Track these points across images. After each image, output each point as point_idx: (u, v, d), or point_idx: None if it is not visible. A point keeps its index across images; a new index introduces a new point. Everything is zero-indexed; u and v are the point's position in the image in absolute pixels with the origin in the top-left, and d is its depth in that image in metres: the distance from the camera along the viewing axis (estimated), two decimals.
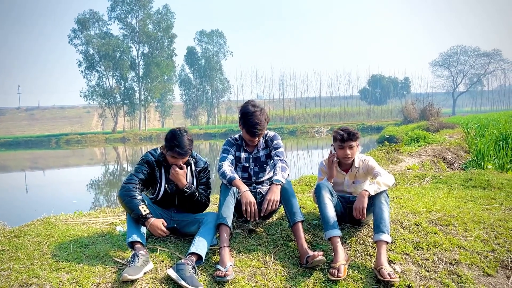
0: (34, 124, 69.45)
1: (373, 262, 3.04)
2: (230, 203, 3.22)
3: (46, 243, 3.30)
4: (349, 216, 3.48)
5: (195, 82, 58.70)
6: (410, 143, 12.78)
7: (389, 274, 2.77)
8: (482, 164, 7.69)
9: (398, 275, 2.87)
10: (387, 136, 20.45)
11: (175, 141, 3.21)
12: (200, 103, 58.97)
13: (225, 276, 2.74)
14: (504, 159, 7.53)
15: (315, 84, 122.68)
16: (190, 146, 3.26)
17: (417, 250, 3.22)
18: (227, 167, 3.41)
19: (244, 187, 3.25)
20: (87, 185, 15.11)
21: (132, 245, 2.99)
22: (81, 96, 46.44)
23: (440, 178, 5.98)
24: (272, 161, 3.64)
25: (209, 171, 3.57)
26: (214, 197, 4.53)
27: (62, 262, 2.90)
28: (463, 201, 4.49)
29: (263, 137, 3.66)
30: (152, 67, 45.88)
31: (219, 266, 2.83)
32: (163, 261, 2.96)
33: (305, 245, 3.06)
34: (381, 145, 12.45)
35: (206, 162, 3.54)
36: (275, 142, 3.63)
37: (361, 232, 3.47)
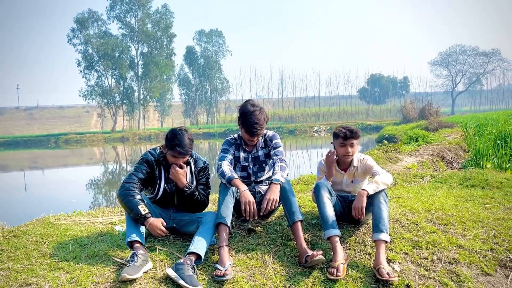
0: (33, 124, 69.39)
1: (372, 261, 3.04)
2: (229, 202, 3.22)
3: (45, 242, 3.30)
4: (348, 215, 3.49)
5: (194, 82, 58.68)
6: (409, 143, 12.78)
7: (388, 273, 2.78)
8: (481, 163, 7.70)
9: (397, 274, 2.87)
10: (386, 136, 20.45)
11: (176, 140, 3.21)
12: (199, 103, 58.97)
13: (224, 275, 2.74)
14: (503, 159, 7.54)
15: (314, 83, 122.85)
16: (190, 145, 3.27)
17: (416, 249, 3.23)
18: (226, 167, 3.41)
19: (243, 187, 3.25)
20: (86, 184, 15.10)
21: (131, 244, 2.99)
22: (80, 95, 46.37)
23: (439, 177, 5.98)
24: (271, 160, 3.64)
25: (208, 170, 3.58)
26: (213, 197, 4.53)
27: (61, 261, 2.90)
28: (462, 201, 4.50)
29: (262, 137, 3.67)
30: (151, 66, 45.85)
31: (218, 266, 2.84)
32: (162, 261, 2.96)
33: (304, 245, 3.07)
34: (380, 144, 12.46)
35: (205, 162, 3.55)
36: (274, 141, 3.63)
37: (360, 232, 3.47)
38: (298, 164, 18.24)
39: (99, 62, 45.06)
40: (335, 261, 2.90)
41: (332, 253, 3.04)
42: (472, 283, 2.87)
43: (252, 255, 3.11)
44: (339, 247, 3.01)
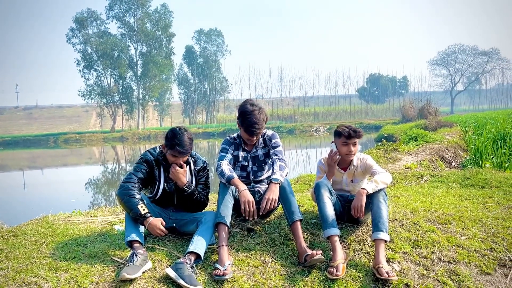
0: (32, 123, 69.29)
1: (371, 261, 3.04)
2: (229, 202, 3.22)
3: (44, 242, 3.30)
4: (348, 214, 3.49)
5: (193, 81, 58.62)
6: (408, 142, 12.79)
7: (387, 273, 2.78)
8: (480, 162, 7.71)
9: (396, 274, 2.87)
10: (385, 135, 20.46)
11: (175, 139, 3.21)
12: (198, 102, 58.92)
13: (223, 275, 2.74)
14: (502, 158, 7.54)
15: (314, 83, 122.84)
16: (190, 144, 3.27)
17: (415, 248, 3.23)
18: (226, 166, 3.41)
19: (242, 186, 3.25)
20: (85, 184, 15.09)
21: (130, 244, 2.99)
22: (79, 95, 46.08)
23: (438, 176, 5.99)
24: (270, 160, 3.64)
25: (208, 170, 3.57)
26: (213, 196, 4.53)
27: (60, 261, 2.90)
28: (461, 200, 4.50)
29: (261, 136, 3.67)
30: (151, 66, 45.79)
31: (217, 265, 2.84)
32: (161, 260, 2.96)
33: (304, 244, 3.07)
34: (379, 144, 12.47)
35: (205, 161, 3.54)
36: (273, 141, 3.63)
37: (359, 231, 3.48)
38: (298, 164, 18.25)
39: (98, 61, 44.99)
40: (334, 261, 2.90)
41: (331, 252, 3.04)
42: (471, 282, 2.88)
43: (251, 255, 3.11)
44: (338, 246, 3.01)
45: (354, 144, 3.44)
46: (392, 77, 74.56)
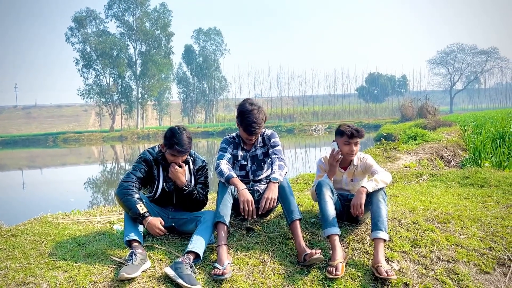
0: (31, 123, 69.17)
1: (370, 260, 3.04)
2: (228, 201, 3.22)
3: (43, 242, 3.29)
4: (347, 214, 3.48)
5: (192, 80, 58.55)
6: (408, 141, 12.80)
7: (386, 272, 2.78)
8: (479, 162, 7.72)
9: (395, 273, 2.87)
10: (384, 134, 20.47)
11: (174, 139, 3.20)
12: (197, 102, 58.86)
13: (222, 274, 2.74)
14: (501, 157, 7.55)
15: (313, 82, 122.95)
16: (189, 144, 3.26)
17: (415, 247, 3.23)
18: (225, 165, 3.41)
19: (241, 185, 3.25)
20: (84, 183, 15.08)
21: (129, 243, 2.98)
22: (78, 94, 46.01)
23: (437, 176, 5.99)
24: (269, 159, 3.64)
25: (207, 169, 3.57)
26: (212, 195, 4.53)
27: (59, 261, 2.89)
28: (460, 199, 4.50)
29: (260, 135, 3.66)
30: (150, 65, 45.73)
31: (216, 265, 2.83)
32: (160, 260, 2.96)
33: (303, 243, 3.07)
34: (378, 143, 12.48)
35: (204, 161, 3.54)
36: (272, 140, 3.63)
37: (358, 230, 3.48)
38: (297, 163, 18.25)
39: (97, 60, 44.91)
40: (334, 260, 2.90)
41: (330, 251, 3.04)
42: (470, 281, 2.88)
43: (250, 254, 3.11)
44: (338, 245, 3.01)
45: (356, 144, 3.44)
46: (391, 76, 74.60)
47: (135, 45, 46.99)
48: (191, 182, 3.42)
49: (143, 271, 2.77)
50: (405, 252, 3.17)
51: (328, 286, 2.78)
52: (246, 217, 3.22)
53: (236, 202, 3.29)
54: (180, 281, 2.61)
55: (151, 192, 3.40)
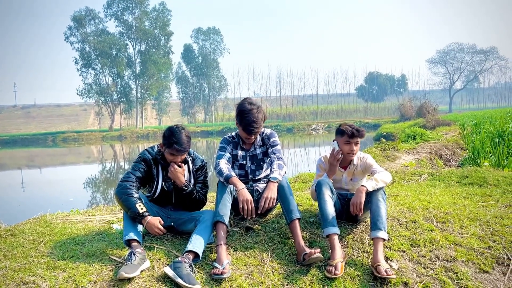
0: (31, 122, 69.08)
1: (370, 259, 3.04)
2: (227, 200, 3.22)
3: (42, 241, 3.29)
4: (346, 213, 3.49)
5: (192, 80, 58.53)
6: (407, 141, 12.81)
7: (385, 271, 2.78)
8: (479, 161, 7.72)
9: (394, 272, 2.88)
10: (384, 134, 20.47)
11: (173, 138, 3.20)
12: (197, 101, 58.83)
13: (222, 274, 2.74)
14: (500, 156, 7.55)
15: (312, 81, 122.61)
16: (188, 142, 3.26)
17: (414, 247, 3.23)
18: (224, 165, 3.41)
19: (241, 185, 3.24)
20: (83, 183, 15.07)
21: (128, 243, 2.98)
22: (77, 94, 45.98)
23: (436, 175, 6.00)
24: (269, 158, 3.64)
25: (206, 169, 3.57)
26: (211, 195, 4.52)
27: (58, 260, 2.89)
28: (459, 198, 4.51)
29: (260, 135, 3.66)
30: (149, 64, 45.70)
31: (216, 264, 2.83)
32: (160, 259, 2.96)
33: (302, 243, 3.07)
34: (378, 142, 12.48)
35: (203, 160, 3.54)
36: (272, 139, 3.63)
37: (358, 229, 3.48)
38: (296, 162, 18.25)
39: (96, 60, 44.87)
40: (333, 259, 2.90)
41: (329, 251, 3.04)
42: (469, 280, 2.88)
43: (250, 253, 3.11)
44: (337, 245, 3.01)
45: (356, 144, 3.44)
46: (390, 75, 74.61)
47: (134, 45, 46.98)
48: (190, 181, 3.42)
49: (142, 271, 2.77)
50: (404, 251, 3.17)
51: (327, 285, 2.78)
52: (245, 216, 3.22)
53: (235, 202, 3.28)
54: (179, 280, 2.61)
55: (150, 191, 3.39)
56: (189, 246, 2.92)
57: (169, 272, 2.67)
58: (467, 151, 10.14)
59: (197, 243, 2.95)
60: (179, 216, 3.39)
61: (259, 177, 3.69)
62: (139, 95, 47.69)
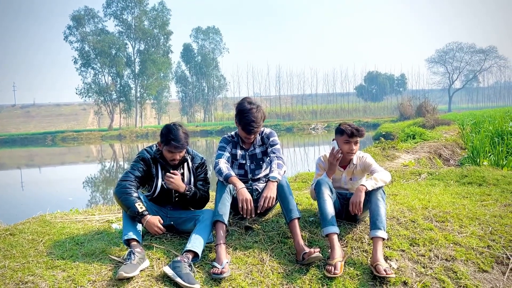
0: (30, 122, 69.04)
1: (369, 259, 3.04)
2: (226, 200, 3.22)
3: (41, 241, 3.29)
4: (346, 212, 3.49)
5: (191, 79, 58.50)
6: (406, 140, 12.80)
7: (385, 270, 2.78)
8: (478, 160, 7.72)
9: (394, 272, 2.88)
10: (383, 133, 20.45)
11: (170, 135, 3.20)
12: (196, 100, 58.81)
13: (221, 273, 2.74)
14: (499, 156, 7.56)
15: (312, 81, 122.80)
16: (186, 139, 3.25)
17: (413, 246, 3.23)
18: (223, 164, 3.41)
19: (240, 184, 3.24)
20: (83, 182, 15.07)
21: (128, 242, 2.98)
22: (76, 93, 46.05)
23: (436, 174, 6.00)
24: (268, 158, 3.64)
25: (206, 166, 3.57)
26: (211, 194, 4.52)
27: (57, 260, 2.89)
28: (458, 198, 4.51)
29: (259, 134, 3.66)
30: (148, 64, 45.68)
31: (215, 263, 2.83)
32: (159, 259, 2.96)
33: (302, 242, 3.07)
34: (377, 141, 12.47)
35: (202, 157, 3.54)
36: (271, 139, 3.63)
37: (357, 229, 3.48)
38: (296, 162, 18.25)
39: (95, 59, 44.87)
40: (332, 259, 2.90)
41: (329, 250, 3.04)
42: (468, 280, 2.88)
43: (249, 253, 3.11)
44: (337, 244, 3.01)
45: (356, 143, 3.44)
46: (390, 75, 74.66)
47: (133, 44, 46.96)
48: (190, 180, 3.42)
49: (141, 270, 2.77)
50: (403, 250, 3.18)
51: (326, 284, 2.78)
52: (244, 216, 3.21)
53: (234, 201, 3.28)
54: (178, 280, 2.60)
55: (150, 191, 3.39)
56: (189, 246, 2.92)
57: (169, 271, 2.67)
58: (466, 150, 10.14)
59: (196, 243, 2.95)
60: (179, 215, 3.39)
61: (258, 176, 3.69)
62: (138, 94, 47.69)
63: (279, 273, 2.90)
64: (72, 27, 44.37)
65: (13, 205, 10.54)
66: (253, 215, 3.25)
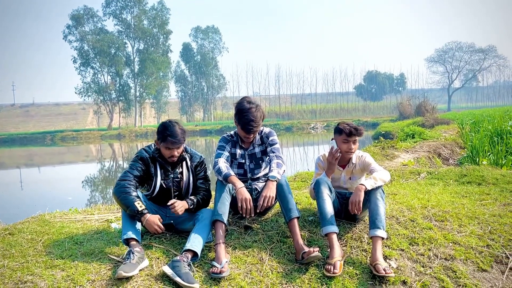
0: (29, 121, 68.94)
1: (368, 258, 3.04)
2: (226, 199, 3.22)
3: (40, 240, 3.28)
4: (345, 212, 3.49)
5: (190, 79, 58.45)
6: (406, 139, 12.81)
7: (384, 270, 2.78)
8: (477, 160, 7.73)
9: (393, 271, 2.88)
10: (382, 132, 20.44)
11: (167, 131, 3.21)
12: (195, 100, 58.77)
13: (220, 272, 2.74)
14: (499, 155, 7.56)
15: (311, 80, 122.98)
16: (182, 135, 3.25)
17: (412, 245, 3.23)
18: (223, 164, 3.40)
19: (239, 184, 3.24)
20: (82, 182, 15.06)
21: (127, 242, 2.97)
22: (76, 92, 45.93)
23: (435, 174, 6.00)
24: (267, 157, 3.63)
25: (205, 164, 3.56)
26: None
27: (57, 259, 2.88)
28: (458, 197, 4.51)
29: (258, 134, 3.66)
30: (148, 63, 45.62)
31: (214, 263, 2.83)
32: (158, 258, 2.96)
33: (301, 241, 3.07)
34: (376, 141, 12.47)
35: (201, 156, 3.54)
36: (270, 138, 3.63)
37: (356, 228, 3.48)
38: (295, 161, 18.25)
39: (95, 59, 44.81)
40: (332, 258, 2.90)
41: (328, 250, 3.05)
42: (468, 279, 2.88)
43: (248, 252, 3.11)
44: (336, 244, 3.01)
45: (355, 142, 3.44)
46: (389, 74, 74.64)
47: (133, 43, 46.89)
48: (189, 178, 3.41)
49: (141, 270, 2.77)
50: (403, 250, 3.18)
51: (326, 284, 2.78)
52: (244, 215, 3.21)
53: (234, 201, 3.28)
54: (178, 279, 2.60)
55: (149, 190, 3.39)
56: (188, 245, 2.92)
57: (168, 271, 2.67)
58: (465, 149, 10.15)
59: (195, 242, 2.95)
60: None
61: (258, 175, 3.69)
62: (137, 93, 47.64)
63: (278, 272, 2.90)
64: (72, 27, 44.30)
65: (12, 205, 10.53)
66: (253, 215, 3.25)
